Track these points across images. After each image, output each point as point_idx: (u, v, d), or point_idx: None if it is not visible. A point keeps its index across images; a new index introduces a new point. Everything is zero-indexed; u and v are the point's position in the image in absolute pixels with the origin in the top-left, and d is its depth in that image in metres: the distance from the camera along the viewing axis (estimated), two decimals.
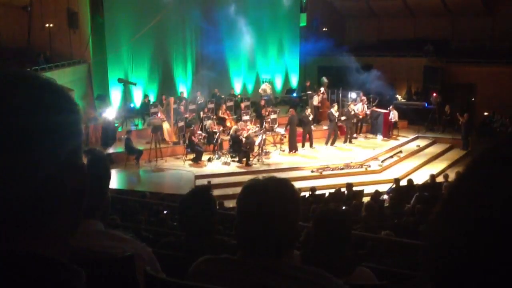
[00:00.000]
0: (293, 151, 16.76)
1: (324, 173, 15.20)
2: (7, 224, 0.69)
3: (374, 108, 19.80)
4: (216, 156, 16.02)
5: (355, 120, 18.69)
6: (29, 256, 0.69)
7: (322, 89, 20.41)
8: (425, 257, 0.62)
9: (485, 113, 20.21)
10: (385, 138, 18.96)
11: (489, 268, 0.55)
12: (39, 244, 0.71)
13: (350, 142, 18.22)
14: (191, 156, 15.75)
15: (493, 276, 0.55)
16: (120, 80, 18.40)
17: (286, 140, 17.45)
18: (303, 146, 17.22)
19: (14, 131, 0.68)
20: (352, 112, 18.23)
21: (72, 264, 0.73)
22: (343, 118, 18.18)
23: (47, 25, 18.02)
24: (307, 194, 12.05)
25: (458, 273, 0.58)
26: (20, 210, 0.69)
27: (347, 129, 18.16)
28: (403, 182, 13.37)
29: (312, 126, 17.93)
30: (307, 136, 17.37)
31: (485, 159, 0.61)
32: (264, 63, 22.82)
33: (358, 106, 18.86)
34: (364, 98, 19.56)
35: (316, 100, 19.72)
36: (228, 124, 17.88)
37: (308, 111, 17.70)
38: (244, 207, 1.63)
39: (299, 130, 17.20)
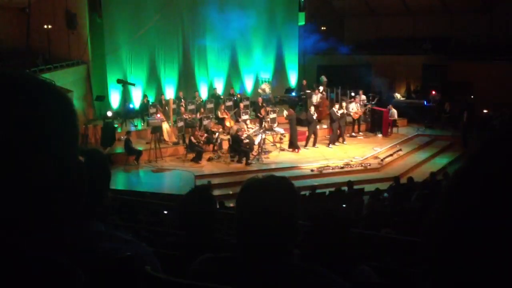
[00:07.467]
0: (295, 150, 16.72)
1: (324, 172, 15.20)
2: (4, 223, 0.69)
3: (374, 107, 19.78)
4: (216, 156, 16.03)
5: (350, 119, 18.63)
6: (27, 255, 0.69)
7: (321, 88, 20.39)
8: (425, 251, 0.62)
9: (485, 111, 20.19)
10: (384, 137, 18.95)
11: (488, 261, 0.55)
12: (37, 243, 0.71)
13: (343, 141, 18.10)
14: (191, 156, 15.76)
15: (491, 268, 0.55)
16: (119, 81, 18.41)
17: (285, 139, 17.42)
18: (306, 145, 17.18)
19: (11, 131, 0.68)
20: (345, 111, 18.13)
21: (70, 264, 0.73)
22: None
23: (45, 26, 18.02)
24: (307, 193, 12.05)
25: (456, 267, 0.58)
26: (17, 208, 0.69)
27: (341, 127, 18.09)
28: (403, 180, 13.37)
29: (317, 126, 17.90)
30: (312, 135, 17.31)
31: (484, 153, 0.61)
32: (263, 62, 22.80)
33: (352, 105, 18.78)
34: (362, 97, 19.51)
35: (315, 99, 19.70)
36: (227, 124, 17.88)
37: (312, 110, 17.60)
38: (244, 206, 1.62)
39: (301, 129, 17.17)
